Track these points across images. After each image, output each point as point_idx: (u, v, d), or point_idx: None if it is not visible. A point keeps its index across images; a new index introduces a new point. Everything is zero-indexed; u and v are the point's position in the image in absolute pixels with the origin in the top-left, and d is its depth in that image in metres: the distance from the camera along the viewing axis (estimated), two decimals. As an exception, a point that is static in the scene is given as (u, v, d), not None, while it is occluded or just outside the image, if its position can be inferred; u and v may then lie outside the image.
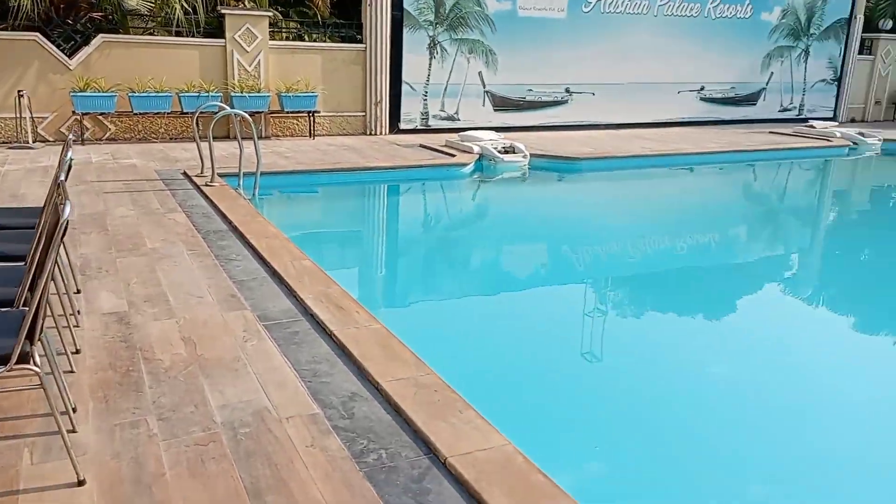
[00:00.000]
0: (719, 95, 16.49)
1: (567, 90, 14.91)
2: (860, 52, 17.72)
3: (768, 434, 4.09)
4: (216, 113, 8.49)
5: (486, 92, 14.18)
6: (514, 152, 11.39)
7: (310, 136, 12.69)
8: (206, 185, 8.19)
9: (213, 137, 8.37)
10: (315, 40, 13.42)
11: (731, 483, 3.66)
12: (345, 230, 8.84)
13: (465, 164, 10.92)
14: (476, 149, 11.38)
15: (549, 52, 14.52)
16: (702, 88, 16.26)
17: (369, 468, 2.91)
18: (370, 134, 13.31)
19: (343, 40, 13.37)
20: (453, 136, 12.27)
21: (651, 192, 11.92)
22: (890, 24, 17.82)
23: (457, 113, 13.99)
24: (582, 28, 14.67)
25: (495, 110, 14.33)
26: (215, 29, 12.18)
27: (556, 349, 5.29)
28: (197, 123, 9.14)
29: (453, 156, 11.13)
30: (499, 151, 11.28)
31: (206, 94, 11.40)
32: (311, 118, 12.60)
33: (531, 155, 11.49)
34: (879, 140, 14.50)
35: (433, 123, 13.81)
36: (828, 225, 10.50)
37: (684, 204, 11.19)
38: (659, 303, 6.71)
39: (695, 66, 16.00)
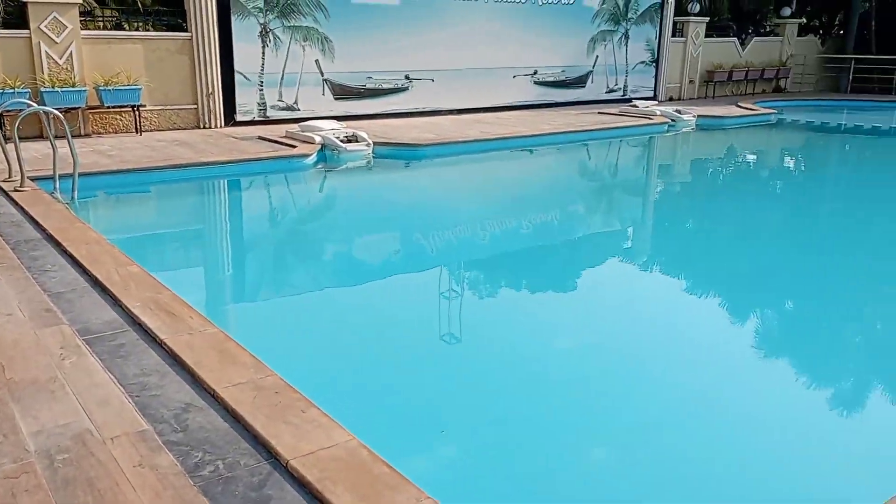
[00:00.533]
0: (551, 79, 17.21)
1: (407, 77, 14.96)
2: (673, 35, 19.12)
3: (615, 409, 4.30)
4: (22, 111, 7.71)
5: (325, 80, 13.92)
6: (357, 141, 11.27)
7: (136, 131, 11.87)
8: (16, 190, 7.43)
9: (25, 138, 7.61)
10: (138, 29, 12.55)
11: (580, 462, 3.83)
12: (178, 231, 8.35)
13: (307, 156, 10.67)
14: (318, 139, 11.15)
15: (387, 39, 14.48)
16: (535, 73, 16.89)
17: (205, 482, 2.75)
18: (204, 127, 12.67)
19: (169, 29, 12.60)
20: (294, 127, 11.95)
21: (494, 175, 12.26)
22: (698, 7, 19.36)
23: (296, 103, 13.63)
24: (417, 15, 14.75)
25: (336, 99, 14.11)
26: (18, 19, 11.05)
27: (408, 336, 5.29)
28: (1, 123, 8.27)
29: (294, 147, 10.84)
30: (341, 141, 11.12)
31: (12, 91, 10.32)
32: (137, 113, 11.79)
33: (375, 143, 11.43)
34: (694, 117, 15.77)
35: (272, 114, 13.37)
36: (656, 197, 11.28)
37: (527, 184, 11.60)
38: (509, 282, 6.91)
39: (527, 52, 16.59)
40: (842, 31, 23.41)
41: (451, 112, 15.56)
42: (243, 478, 2.78)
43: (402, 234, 8.46)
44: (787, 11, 21.35)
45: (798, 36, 22.01)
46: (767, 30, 22.10)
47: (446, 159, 12.15)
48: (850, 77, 21.97)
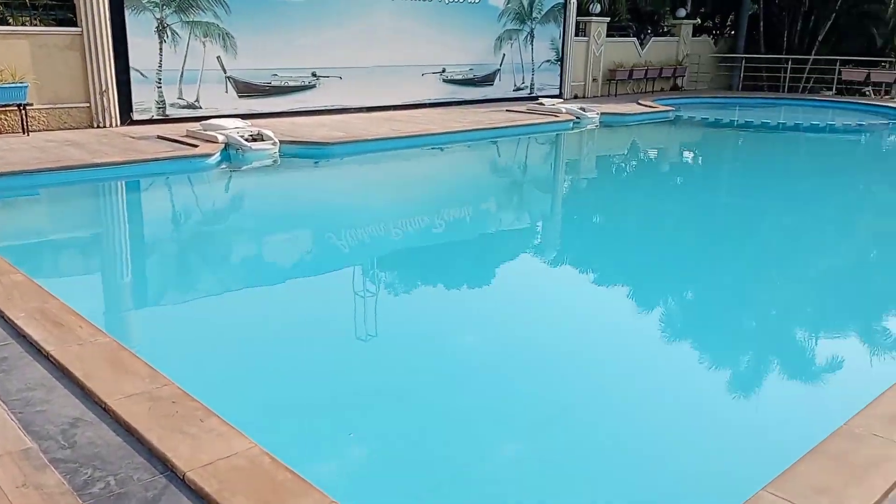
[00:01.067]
0: (460, 77, 17.32)
1: (314, 74, 14.71)
2: (576, 34, 19.61)
3: (526, 405, 4.33)
4: None
5: (228, 77, 13.51)
6: (262, 140, 11.00)
7: (23, 132, 11.17)
8: None
9: None
10: (25, 24, 11.81)
11: (489, 462, 3.85)
12: (70, 237, 7.91)
13: (209, 155, 10.32)
14: (221, 138, 10.81)
15: (292, 36, 14.20)
16: (443, 71, 16.95)
17: (95, 499, 2.60)
18: (98, 127, 12.06)
19: (58, 24, 11.92)
20: (195, 126, 11.54)
21: (407, 173, 12.22)
22: (598, 8, 19.93)
23: (197, 100, 13.17)
24: (323, 11, 14.53)
25: (240, 96, 13.72)
26: None
27: (316, 338, 5.19)
28: None
29: (196, 146, 10.47)
30: (246, 139, 10.82)
31: None
32: (23, 112, 11.10)
33: (281, 142, 11.18)
34: (598, 114, 16.22)
35: (172, 112, 12.87)
36: (564, 192, 11.54)
37: (439, 182, 11.63)
38: (422, 280, 6.89)
39: (436, 50, 16.63)
40: (733, 32, 24.62)
41: (360, 110, 15.42)
42: (137, 493, 2.65)
43: (311, 234, 8.31)
44: (682, 13, 22.29)
45: (693, 36, 23.01)
46: (664, 30, 23.00)
47: (357, 158, 12.03)
48: (742, 75, 23.15)
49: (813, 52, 22.03)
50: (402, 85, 16.15)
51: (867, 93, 21.24)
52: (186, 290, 6.32)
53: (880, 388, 3.53)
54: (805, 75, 22.11)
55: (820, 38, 22.05)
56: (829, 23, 21.76)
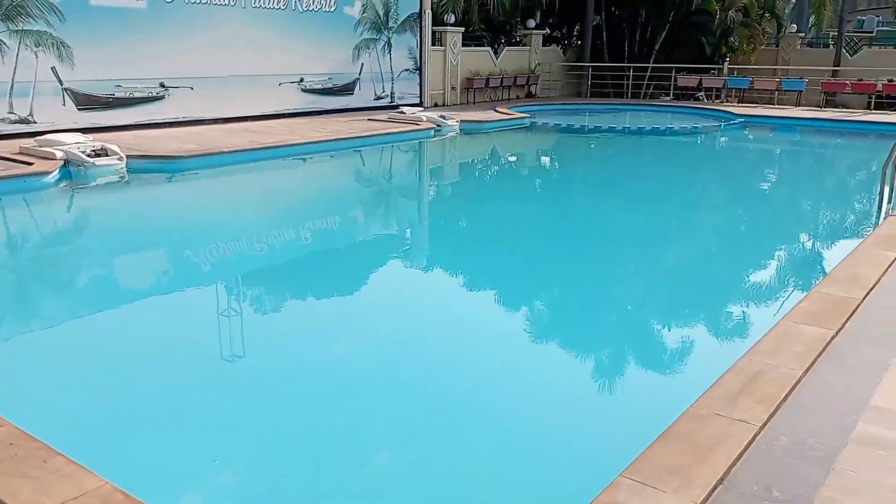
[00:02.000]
0: (319, 86, 17.12)
1: (162, 85, 14.02)
2: (433, 44, 19.94)
3: (398, 413, 4.34)
4: None
5: (66, 89, 12.59)
6: (106, 155, 10.34)
7: None
8: None
9: None
10: None
11: (361, 480, 3.80)
12: None
13: (46, 173, 9.57)
14: (59, 154, 10.06)
15: (136, 45, 13.46)
16: (301, 80, 16.69)
17: (-84, 564, 2.32)
18: (-86, 145, 10.87)
19: None
20: (29, 142, 10.67)
21: (266, 185, 11.90)
22: (452, 18, 20.38)
23: (31, 115, 12.18)
24: (169, 19, 13.88)
25: (80, 109, 12.82)
26: None
27: (174, 363, 4.92)
28: None
29: (30, 164, 9.68)
30: (88, 155, 10.13)
31: None
32: None
33: (128, 156, 10.56)
34: (457, 122, 16.55)
35: (2, 128, 11.82)
36: (427, 199, 11.67)
37: (300, 193, 11.41)
38: (290, 294, 6.72)
39: (292, 59, 16.34)
40: (579, 42, 25.96)
41: (215, 121, 14.86)
42: (-33, 551, 2.39)
43: (164, 254, 7.90)
44: (531, 23, 23.25)
45: (543, 46, 24.04)
46: (517, 40, 23.88)
47: (213, 171, 11.57)
48: (589, 82, 24.45)
49: (651, 60, 23.64)
50: (258, 95, 15.74)
51: (701, 97, 23.08)
52: (24, 321, 5.81)
53: (719, 371, 3.82)
54: (646, 82, 23.68)
55: (656, 47, 23.70)
56: (665, 32, 23.45)
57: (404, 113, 16.69)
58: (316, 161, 13.29)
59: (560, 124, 18.92)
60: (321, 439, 3.94)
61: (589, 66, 24.27)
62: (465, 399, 4.45)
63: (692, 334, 5.72)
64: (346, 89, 17.82)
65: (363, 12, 17.75)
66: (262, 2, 15.45)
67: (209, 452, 3.79)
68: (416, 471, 3.71)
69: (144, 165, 10.72)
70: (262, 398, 4.39)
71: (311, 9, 16.50)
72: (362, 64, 18.05)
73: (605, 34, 24.50)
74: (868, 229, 7.81)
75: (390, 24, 18.57)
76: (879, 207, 8.63)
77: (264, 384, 4.59)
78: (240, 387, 4.59)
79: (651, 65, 23.53)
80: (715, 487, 2.85)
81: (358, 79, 18.03)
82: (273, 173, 12.45)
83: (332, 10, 16.98)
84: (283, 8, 15.88)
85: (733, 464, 3.02)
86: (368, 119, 16.39)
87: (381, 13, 18.25)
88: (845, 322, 4.58)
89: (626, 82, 23.72)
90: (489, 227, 9.28)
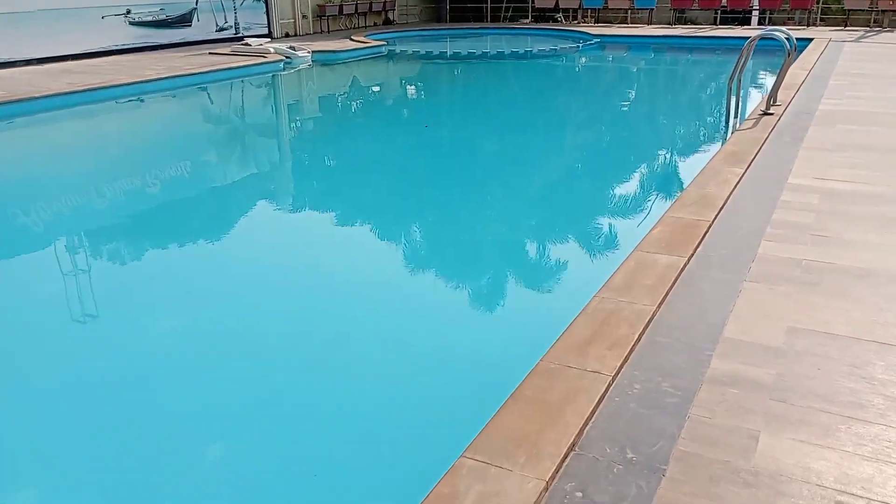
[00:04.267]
0: (150, 18, 15.48)
1: (-45, 22, 12.12)
2: (278, -32, 18.49)
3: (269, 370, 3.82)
4: None
5: None
6: None
7: None
8: None
9: None
10: None
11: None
12: None
13: None
14: None
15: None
16: (128, 12, 14.99)
17: None
18: None
19: None
20: None
21: (94, 132, 10.63)
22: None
23: None
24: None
25: None
26: None
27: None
28: None
29: None
30: None
31: None
32: None
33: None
34: (309, 52, 15.52)
35: None
36: (282, 136, 10.82)
37: (136, 138, 10.24)
38: (142, 245, 6.03)
39: (116, -12, 14.61)
40: (436, -36, 25.03)
41: (28, 63, 13.11)
42: None
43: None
44: (384, -56, 22.07)
45: (398, -32, 23.00)
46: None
47: (26, 120, 10.18)
48: (448, 7, 23.72)
49: (508, -18, 23.22)
50: (77, 31, 14.01)
51: (559, 19, 22.96)
52: None
53: (571, 315, 3.54)
54: (504, 4, 23.24)
55: (513, -32, 23.26)
56: (519, -47, 23.00)
57: (250, 45, 15.44)
58: (153, 102, 12.03)
59: (419, 51, 18.23)
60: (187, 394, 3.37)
61: (446, -10, 23.53)
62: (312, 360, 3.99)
63: (543, 275, 5.46)
64: (183, 20, 16.24)
65: (194, -67, 16.08)
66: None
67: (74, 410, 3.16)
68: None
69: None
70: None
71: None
72: (199, -9, 16.48)
73: (460, -45, 23.73)
74: (717, 145, 7.86)
75: (227, -53, 16.97)
76: (727, 122, 8.74)
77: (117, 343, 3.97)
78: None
79: (508, -14, 23.11)
80: (566, 456, 2.55)
81: (195, 8, 16.46)
82: (102, 118, 11.17)
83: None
84: (96, -71, 14.05)
85: (585, 424, 2.73)
86: (210, 53, 15.04)
87: (215, -67, 16.62)
88: (696, 247, 4.44)
89: (485, 5, 23.20)
90: (352, 162, 8.70)
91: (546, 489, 2.40)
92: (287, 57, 14.95)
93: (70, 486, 3.10)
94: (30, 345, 4.30)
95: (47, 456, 3.26)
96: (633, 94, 14.48)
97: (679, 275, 4.04)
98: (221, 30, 17.19)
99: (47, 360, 4.12)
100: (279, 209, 7.34)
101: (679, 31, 19.38)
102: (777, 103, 8.72)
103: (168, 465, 3.18)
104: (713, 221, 4.86)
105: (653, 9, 21.02)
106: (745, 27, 20.34)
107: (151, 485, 3.07)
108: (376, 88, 15.11)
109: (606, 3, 21.51)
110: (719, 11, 20.96)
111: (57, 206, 7.10)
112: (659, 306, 3.66)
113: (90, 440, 3.35)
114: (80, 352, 4.24)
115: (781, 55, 8.75)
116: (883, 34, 17.77)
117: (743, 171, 6.05)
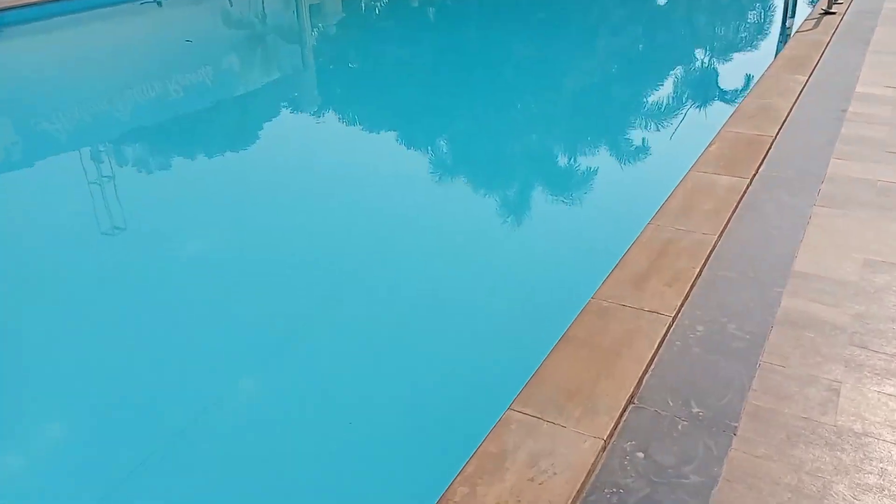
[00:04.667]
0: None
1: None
2: None
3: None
4: None
5: None
6: None
7: None
8: None
9: None
10: None
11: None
12: None
13: None
14: None
15: None
16: None
17: None
18: None
19: None
20: None
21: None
22: None
23: None
24: None
25: None
26: None
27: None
28: None
29: None
30: None
31: None
32: None
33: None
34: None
35: None
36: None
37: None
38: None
39: None
40: None
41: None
42: None
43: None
44: None
45: None
46: None
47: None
48: None
49: None
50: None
51: None
52: None
53: (625, 244, 3.23)
54: None
55: None
56: None
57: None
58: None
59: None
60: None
61: None
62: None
63: (591, 197, 5.05)
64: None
65: None
66: None
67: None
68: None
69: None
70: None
71: None
72: None
73: None
74: (774, 49, 7.24)
75: None
76: (784, 23, 8.06)
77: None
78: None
79: None
80: (624, 410, 2.31)
81: None
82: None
83: None
84: None
85: (644, 372, 2.48)
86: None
87: None
88: (759, 166, 4.05)
89: None
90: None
91: (604, 448, 2.17)
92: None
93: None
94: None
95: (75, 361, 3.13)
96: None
97: (741, 198, 3.68)
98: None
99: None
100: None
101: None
102: (839, 1, 7.99)
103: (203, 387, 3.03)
104: (776, 136, 4.44)
105: None
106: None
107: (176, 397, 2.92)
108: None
109: None
110: None
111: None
112: (720, 235, 3.34)
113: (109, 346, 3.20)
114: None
115: (848, -54, 7.93)
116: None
117: (806, 78, 5.54)
